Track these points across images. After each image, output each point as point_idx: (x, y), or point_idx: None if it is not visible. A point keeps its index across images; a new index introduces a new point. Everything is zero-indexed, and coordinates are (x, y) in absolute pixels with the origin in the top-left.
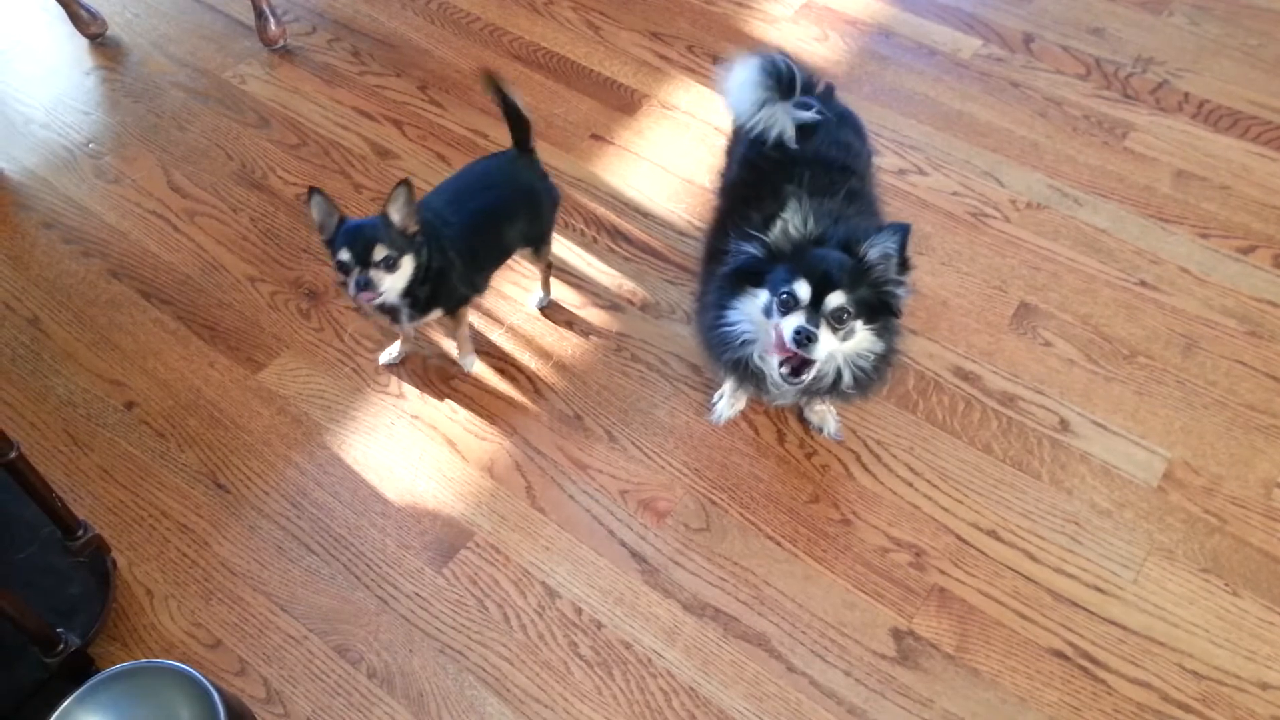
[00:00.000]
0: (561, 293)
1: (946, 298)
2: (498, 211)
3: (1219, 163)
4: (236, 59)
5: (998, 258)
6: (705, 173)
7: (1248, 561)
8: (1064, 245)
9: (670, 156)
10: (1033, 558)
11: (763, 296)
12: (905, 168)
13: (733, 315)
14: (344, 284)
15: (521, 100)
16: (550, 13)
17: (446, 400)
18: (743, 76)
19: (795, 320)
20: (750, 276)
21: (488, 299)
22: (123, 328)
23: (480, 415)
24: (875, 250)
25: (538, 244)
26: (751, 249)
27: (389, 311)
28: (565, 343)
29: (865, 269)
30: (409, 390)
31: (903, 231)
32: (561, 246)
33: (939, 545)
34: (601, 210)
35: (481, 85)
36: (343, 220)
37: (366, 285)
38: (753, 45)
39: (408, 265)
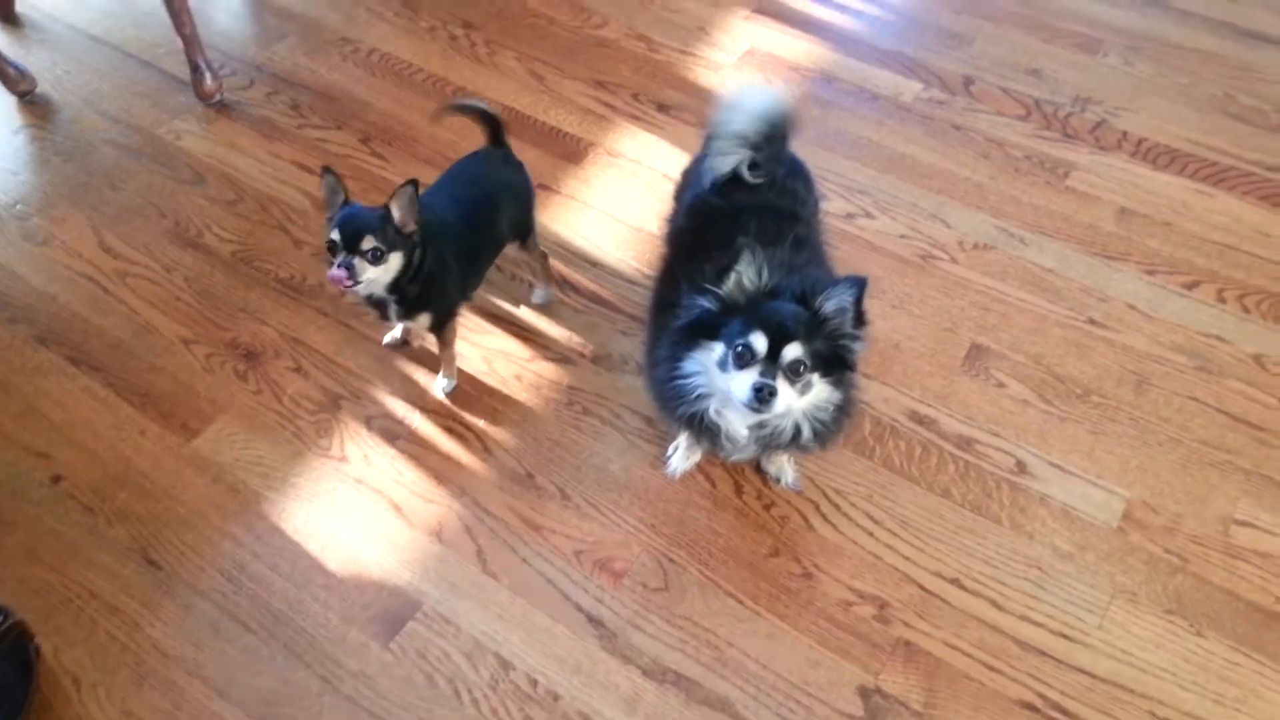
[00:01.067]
0: (509, 345)
1: (899, 341)
2: (488, 206)
3: (1159, 199)
4: (171, 114)
5: (947, 299)
6: (654, 220)
7: (1210, 601)
8: (1012, 285)
9: (618, 204)
10: (997, 606)
11: (718, 350)
12: (853, 211)
13: (687, 368)
14: (329, 262)
15: (484, 102)
16: (493, 63)
17: (391, 462)
18: (753, 105)
19: (752, 375)
20: (704, 329)
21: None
22: (50, 396)
23: (427, 476)
24: (831, 303)
25: (526, 235)
26: (705, 302)
27: (377, 304)
28: (514, 398)
29: (821, 321)
30: (352, 452)
31: (858, 286)
32: (509, 298)
33: (902, 596)
34: (550, 260)
35: (440, 117)
36: (345, 204)
37: (347, 270)
38: (696, 93)
39: (395, 261)
